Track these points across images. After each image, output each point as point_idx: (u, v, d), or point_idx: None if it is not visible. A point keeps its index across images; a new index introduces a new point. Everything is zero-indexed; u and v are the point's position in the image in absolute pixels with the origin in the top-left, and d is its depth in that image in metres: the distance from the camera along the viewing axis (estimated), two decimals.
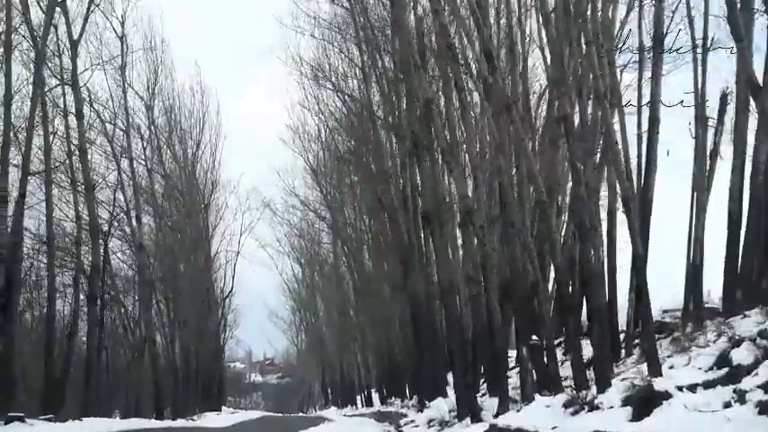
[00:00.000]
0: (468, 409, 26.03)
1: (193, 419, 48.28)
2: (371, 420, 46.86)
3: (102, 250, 44.55)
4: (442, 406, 29.56)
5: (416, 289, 38.67)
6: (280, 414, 79.52)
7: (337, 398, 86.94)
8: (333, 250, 74.54)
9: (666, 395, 14.50)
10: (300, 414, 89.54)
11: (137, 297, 54.25)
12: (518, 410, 20.51)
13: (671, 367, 18.20)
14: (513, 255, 23.86)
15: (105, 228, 47.82)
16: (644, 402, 14.69)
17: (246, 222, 77.75)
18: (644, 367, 18.51)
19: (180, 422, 44.70)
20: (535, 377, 23.94)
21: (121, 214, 49.90)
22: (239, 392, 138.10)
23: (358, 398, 77.61)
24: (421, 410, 35.97)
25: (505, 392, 25.08)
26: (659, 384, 15.07)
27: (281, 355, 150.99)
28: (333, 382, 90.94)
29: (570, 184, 28.66)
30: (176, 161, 60.09)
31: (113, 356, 57.68)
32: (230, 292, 71.88)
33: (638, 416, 14.52)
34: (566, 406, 17.59)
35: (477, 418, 24.79)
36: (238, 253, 71.44)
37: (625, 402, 15.54)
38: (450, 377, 38.97)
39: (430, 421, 27.90)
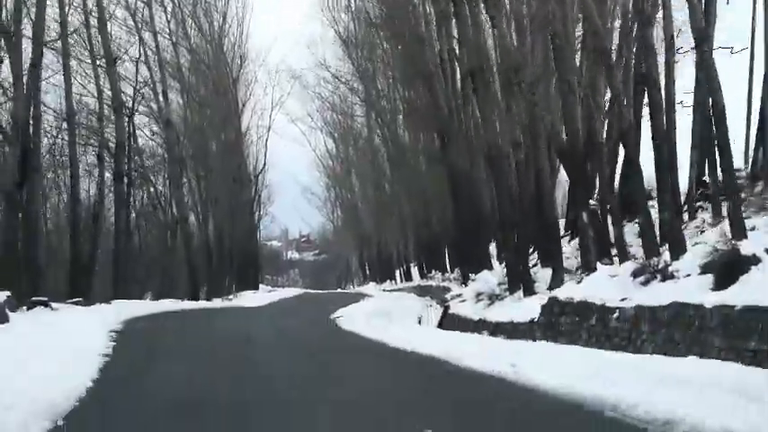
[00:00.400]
0: (519, 281, 24.37)
1: (229, 299, 47.19)
2: (412, 295, 45.66)
3: (126, 126, 42.53)
4: (490, 279, 27.95)
5: (456, 158, 36.79)
6: (318, 291, 78.61)
7: (375, 273, 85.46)
8: (366, 123, 72.72)
9: (754, 260, 12.69)
10: (339, 290, 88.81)
11: (166, 176, 52.65)
12: (578, 282, 18.68)
13: (752, 229, 16.31)
14: (570, 114, 21.82)
15: (129, 103, 45.78)
16: (728, 269, 12.89)
17: (277, 97, 75.75)
18: (724, 228, 16.53)
19: (215, 302, 43.55)
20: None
21: (145, 89, 47.87)
22: (277, 270, 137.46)
23: (397, 272, 76.25)
24: (464, 284, 34.45)
25: (560, 263, 23.38)
26: (746, 248, 13.23)
27: (317, 233, 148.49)
28: (370, 257, 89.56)
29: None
30: (202, 34, 57.59)
31: (145, 237, 56.55)
32: (263, 168, 69.48)
33: (721, 284, 12.73)
34: (635, 275, 15.80)
35: (530, 291, 23.12)
36: (269, 128, 68.92)
37: (705, 269, 13.73)
38: (493, 249, 37.41)
39: (478, 295, 26.22)
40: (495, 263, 34.75)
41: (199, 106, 54.27)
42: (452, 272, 46.78)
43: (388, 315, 30.64)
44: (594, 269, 18.62)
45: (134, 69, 47.13)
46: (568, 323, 16.71)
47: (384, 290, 66.98)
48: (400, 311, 32.58)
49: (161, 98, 47.54)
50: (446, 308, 28.63)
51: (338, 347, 19.06)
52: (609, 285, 16.14)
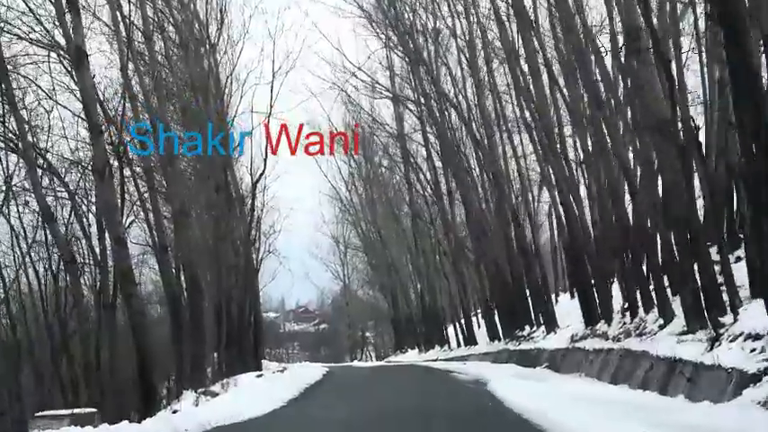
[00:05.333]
0: None
1: (214, 393, 22.75)
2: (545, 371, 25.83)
3: None
4: None
5: None
6: (343, 364, 55.46)
7: (413, 336, 67.51)
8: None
9: None
10: (360, 363, 67.05)
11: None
12: None
13: None
14: None
15: None
16: None
17: (280, 60, 45.33)
18: None
19: (183, 406, 19.61)
20: None
21: None
22: (276, 344, 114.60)
23: (450, 332, 55.91)
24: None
25: None
26: None
27: (316, 303, 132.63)
28: (402, 316, 70.98)
29: None
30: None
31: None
32: (262, 174, 40.11)
33: None
34: None
35: None
36: (269, 113, 39.05)
37: None
38: None
39: None
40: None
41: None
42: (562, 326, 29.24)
43: None
44: None
45: None
46: None
47: (438, 358, 48.39)
48: None
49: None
50: None
51: None
52: None
